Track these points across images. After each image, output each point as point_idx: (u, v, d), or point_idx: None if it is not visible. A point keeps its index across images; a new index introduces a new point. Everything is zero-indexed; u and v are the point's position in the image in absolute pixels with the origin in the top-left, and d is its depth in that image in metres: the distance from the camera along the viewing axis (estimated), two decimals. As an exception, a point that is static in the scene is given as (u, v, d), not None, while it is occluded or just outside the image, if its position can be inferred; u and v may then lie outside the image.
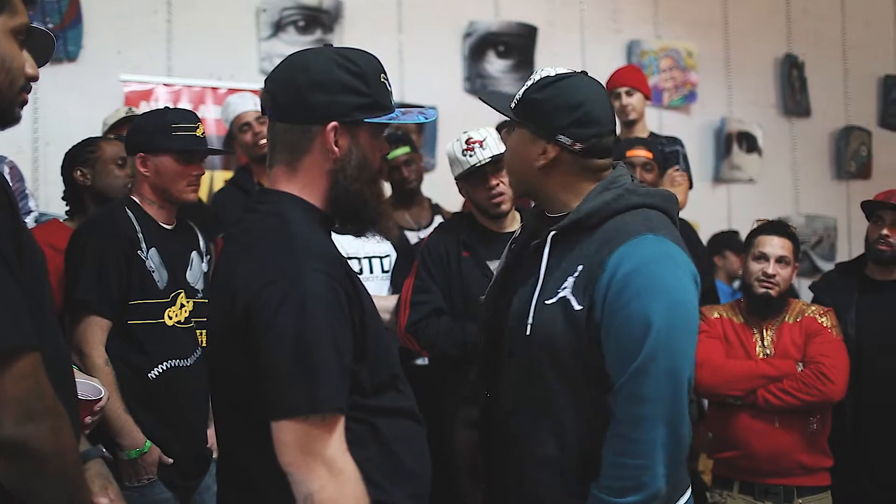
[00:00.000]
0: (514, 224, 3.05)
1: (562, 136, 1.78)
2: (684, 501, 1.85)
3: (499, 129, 3.46)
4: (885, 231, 3.24)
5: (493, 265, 2.95)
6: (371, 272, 3.37)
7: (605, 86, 4.14)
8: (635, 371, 1.65)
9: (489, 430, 1.97)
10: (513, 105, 1.85)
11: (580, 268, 1.74)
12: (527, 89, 1.82)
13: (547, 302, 1.76)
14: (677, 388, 1.67)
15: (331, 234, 1.66)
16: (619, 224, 1.74)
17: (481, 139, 2.90)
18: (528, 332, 1.78)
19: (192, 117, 2.68)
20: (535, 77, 1.84)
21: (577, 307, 1.72)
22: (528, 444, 1.82)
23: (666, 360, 1.65)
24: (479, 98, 1.98)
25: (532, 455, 1.81)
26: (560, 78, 1.82)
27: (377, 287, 3.35)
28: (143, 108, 4.16)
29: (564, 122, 1.79)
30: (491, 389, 1.96)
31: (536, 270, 1.82)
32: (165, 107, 2.89)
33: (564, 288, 1.74)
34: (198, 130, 2.65)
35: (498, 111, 1.89)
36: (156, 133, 2.60)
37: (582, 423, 1.75)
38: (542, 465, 1.79)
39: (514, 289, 1.90)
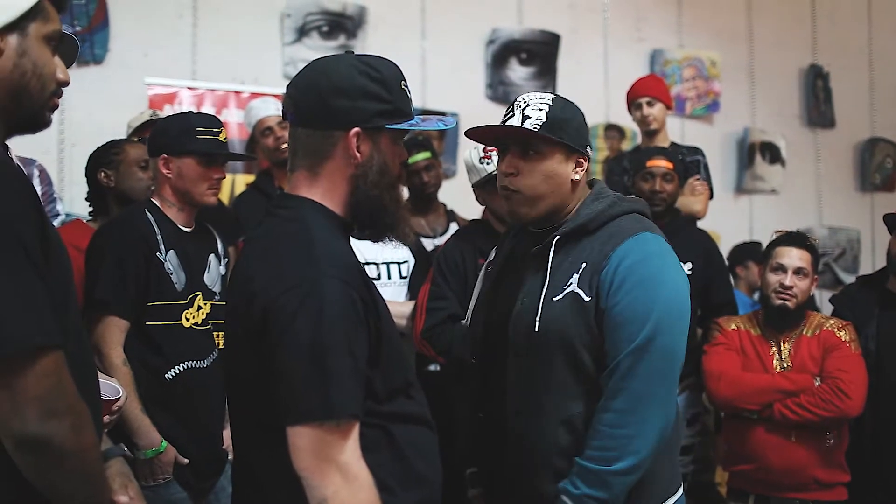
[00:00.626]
0: None
1: (588, 147, 2.00)
2: (676, 499, 1.95)
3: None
4: None
5: None
6: (389, 278, 3.38)
7: (626, 97, 4.17)
8: (635, 349, 1.81)
9: (486, 437, 2.05)
10: (536, 129, 1.91)
11: (584, 265, 1.89)
12: (548, 112, 1.92)
13: (554, 299, 1.90)
14: (671, 371, 1.86)
15: (349, 240, 1.67)
16: (618, 226, 1.93)
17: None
18: (536, 329, 1.89)
19: (215, 122, 2.71)
20: (534, 103, 1.95)
21: (587, 298, 1.87)
22: (537, 438, 1.91)
23: (664, 341, 1.83)
24: (469, 136, 2.05)
25: (544, 447, 1.90)
26: (564, 99, 2.00)
27: (395, 293, 3.36)
28: (167, 111, 4.20)
29: (587, 135, 2.01)
30: (485, 404, 2.05)
31: (541, 273, 1.95)
32: (189, 111, 2.93)
33: (570, 284, 1.89)
34: (221, 135, 2.67)
35: (533, 135, 1.92)
36: (180, 135, 2.63)
37: (590, 411, 1.88)
38: (556, 456, 1.89)
39: (512, 296, 2.01)
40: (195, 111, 3.09)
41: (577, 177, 1.96)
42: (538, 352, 1.91)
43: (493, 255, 2.17)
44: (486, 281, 2.14)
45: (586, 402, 1.88)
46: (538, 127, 1.91)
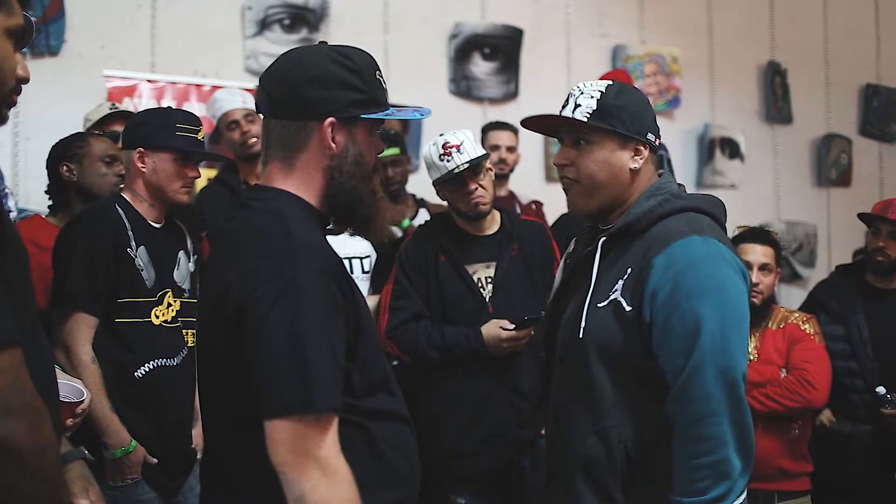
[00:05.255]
0: (493, 226, 3.04)
1: (650, 134, 1.90)
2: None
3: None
4: (881, 243, 3.27)
5: (472, 269, 2.96)
6: (351, 272, 3.35)
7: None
8: (692, 371, 1.71)
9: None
10: (586, 118, 1.86)
11: (629, 270, 1.81)
12: (599, 100, 1.86)
13: (599, 305, 1.83)
14: (734, 385, 1.72)
15: (325, 233, 1.65)
16: (666, 227, 1.82)
17: (458, 143, 2.88)
18: (580, 336, 1.83)
19: (195, 120, 2.68)
20: (588, 90, 1.88)
21: (627, 308, 1.78)
22: (569, 446, 1.86)
23: (720, 358, 1.71)
24: (524, 125, 2.01)
25: (576, 454, 1.85)
26: (621, 85, 1.92)
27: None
28: (126, 104, 4.12)
29: (648, 121, 1.90)
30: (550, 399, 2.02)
31: (589, 277, 1.88)
32: (169, 107, 2.89)
33: (615, 291, 1.81)
34: (199, 134, 2.64)
35: (581, 125, 1.87)
36: (159, 130, 2.59)
37: (628, 424, 1.80)
38: (587, 465, 1.83)
39: (568, 297, 1.97)
40: (176, 108, 3.04)
41: (634, 165, 1.88)
42: (581, 359, 1.85)
43: (571, 246, 2.12)
44: (562, 275, 2.08)
45: (624, 414, 1.81)
46: (588, 116, 1.85)
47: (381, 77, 1.65)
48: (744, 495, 1.80)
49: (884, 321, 3.30)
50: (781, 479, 3.07)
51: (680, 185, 1.96)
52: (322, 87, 1.56)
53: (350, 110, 1.58)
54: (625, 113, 1.87)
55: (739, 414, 1.73)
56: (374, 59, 1.65)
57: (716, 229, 1.86)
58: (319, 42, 1.70)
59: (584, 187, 1.89)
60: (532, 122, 1.99)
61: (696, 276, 1.74)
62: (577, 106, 1.87)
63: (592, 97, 1.86)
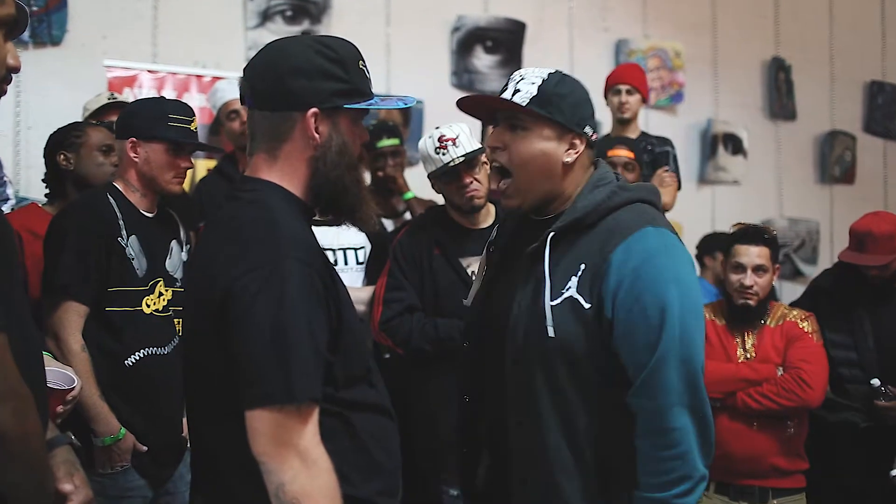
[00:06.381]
0: (488, 219, 3.05)
1: (587, 128, 1.83)
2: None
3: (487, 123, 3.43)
4: (872, 273, 3.27)
5: (466, 262, 2.95)
6: (346, 264, 3.36)
7: (606, 81, 4.14)
8: (656, 363, 1.68)
9: (476, 436, 1.96)
10: (525, 104, 1.79)
11: (583, 266, 1.76)
12: (540, 86, 1.79)
13: (553, 304, 1.76)
14: (695, 375, 1.71)
15: (310, 224, 1.65)
16: (618, 220, 1.78)
17: (454, 136, 2.89)
18: (551, 335, 1.75)
19: (188, 110, 2.68)
20: (529, 76, 1.82)
21: (586, 305, 1.74)
22: (539, 453, 1.79)
23: (684, 348, 1.69)
24: (460, 106, 1.91)
25: (548, 465, 1.79)
26: (562, 74, 1.85)
27: (351, 278, 3.34)
28: (127, 94, 4.13)
29: (587, 114, 1.84)
30: (473, 393, 1.95)
31: (536, 274, 1.81)
32: (162, 96, 2.88)
33: (568, 288, 1.76)
34: (192, 124, 2.64)
35: (518, 109, 1.79)
36: (152, 120, 2.59)
37: (595, 426, 1.76)
38: (561, 474, 1.78)
39: (506, 294, 1.87)
40: (169, 98, 3.04)
41: (568, 159, 1.81)
42: (543, 360, 1.77)
43: (494, 233, 2.03)
44: (487, 265, 2.00)
45: (590, 416, 1.76)
46: (527, 101, 1.78)
47: (365, 67, 1.65)
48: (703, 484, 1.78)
49: (886, 313, 3.29)
50: (777, 477, 3.06)
51: (616, 174, 1.91)
52: (305, 78, 1.57)
53: (333, 100, 1.59)
54: (565, 102, 1.80)
55: (699, 404, 1.72)
56: (358, 49, 1.65)
57: (663, 219, 1.84)
58: (302, 33, 1.69)
59: (516, 183, 1.82)
60: (467, 104, 1.89)
61: (654, 267, 1.72)
62: (516, 91, 1.80)
63: (533, 83, 1.79)
